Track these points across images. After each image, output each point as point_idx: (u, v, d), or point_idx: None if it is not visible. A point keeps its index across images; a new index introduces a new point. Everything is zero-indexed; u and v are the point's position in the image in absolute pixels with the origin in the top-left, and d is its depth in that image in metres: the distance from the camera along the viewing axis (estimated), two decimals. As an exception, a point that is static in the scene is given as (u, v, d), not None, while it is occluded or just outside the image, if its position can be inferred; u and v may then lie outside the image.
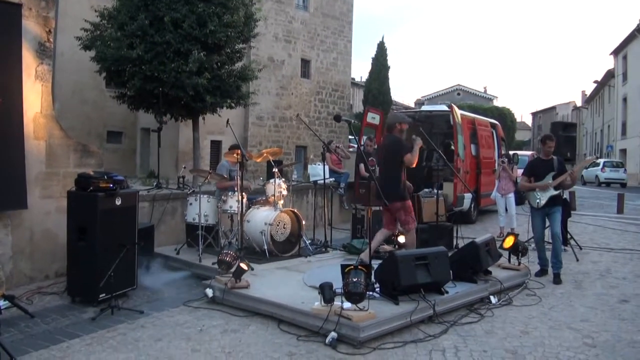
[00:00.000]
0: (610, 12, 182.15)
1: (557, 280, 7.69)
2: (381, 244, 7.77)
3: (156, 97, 11.26)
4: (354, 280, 5.14)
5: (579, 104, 66.08)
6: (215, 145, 20.01)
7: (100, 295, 6.14)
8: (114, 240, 6.28)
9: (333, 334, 5.00)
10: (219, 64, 12.17)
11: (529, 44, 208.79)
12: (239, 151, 7.91)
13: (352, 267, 5.26)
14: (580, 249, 9.92)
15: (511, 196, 11.59)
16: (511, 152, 18.24)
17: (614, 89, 44.07)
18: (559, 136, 10.12)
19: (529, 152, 26.94)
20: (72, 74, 16.66)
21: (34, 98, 6.99)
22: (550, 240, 8.06)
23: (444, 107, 14.41)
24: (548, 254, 8.07)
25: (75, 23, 12.00)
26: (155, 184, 10.61)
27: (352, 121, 6.80)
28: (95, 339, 5.15)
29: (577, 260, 9.18)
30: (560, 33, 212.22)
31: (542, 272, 8.04)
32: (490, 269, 7.09)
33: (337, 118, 6.54)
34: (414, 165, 7.16)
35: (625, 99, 40.49)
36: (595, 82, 48.70)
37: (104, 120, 19.84)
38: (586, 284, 7.71)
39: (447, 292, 6.15)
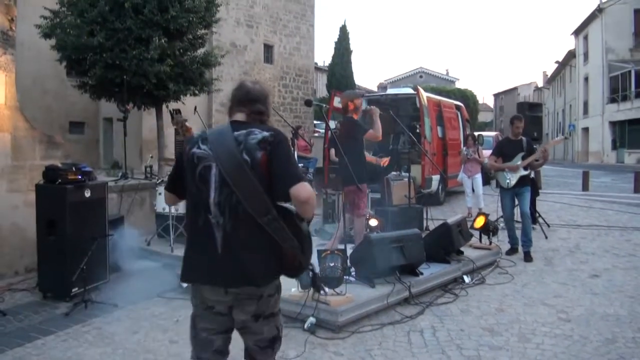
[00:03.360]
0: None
1: (527, 258, 7.82)
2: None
3: (118, 85, 11.06)
4: (331, 265, 5.15)
5: (540, 84, 67.11)
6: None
7: (73, 290, 6.03)
8: (85, 233, 6.16)
9: (311, 319, 5.00)
10: (181, 50, 11.99)
11: (490, 25, 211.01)
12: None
13: (329, 251, 5.26)
14: (549, 226, 10.09)
15: (478, 177, 11.77)
16: (476, 133, 18.43)
17: (575, 69, 44.84)
18: (526, 116, 10.26)
19: (493, 133, 27.29)
20: (32, 63, 16.23)
21: (-2, 89, 6.81)
22: (520, 219, 8.19)
23: (410, 90, 14.43)
24: (518, 233, 8.20)
25: (35, 11, 11.66)
26: (120, 174, 10.43)
27: (324, 106, 6.74)
28: (71, 334, 5.06)
29: (546, 237, 9.35)
30: (521, 14, 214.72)
31: (512, 251, 8.17)
32: (462, 249, 7.17)
33: (309, 103, 6.51)
34: (380, 137, 6.91)
35: (586, 79, 41.26)
36: (557, 62, 49.53)
37: (65, 111, 19.40)
38: (556, 260, 7.85)
39: (421, 274, 6.20)
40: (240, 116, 2.88)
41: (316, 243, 7.26)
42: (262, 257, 2.69)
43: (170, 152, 18.07)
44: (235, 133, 2.74)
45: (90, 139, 20.40)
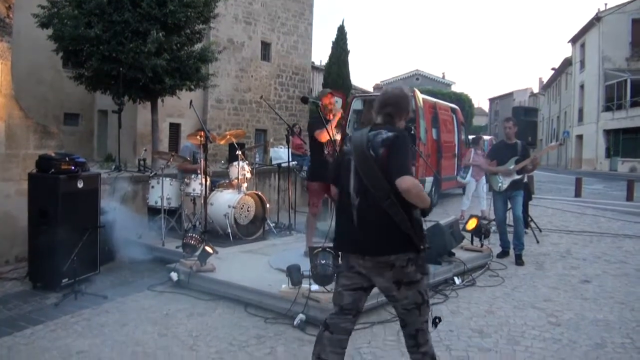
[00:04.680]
0: (569, 0, 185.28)
1: (519, 261, 7.84)
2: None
3: (114, 78, 11.04)
4: (322, 262, 5.13)
5: (535, 90, 67.27)
6: (174, 128, 19.77)
7: (63, 281, 6.00)
8: (76, 224, 6.14)
9: (301, 316, 4.99)
10: (178, 45, 11.99)
11: (488, 30, 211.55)
12: (203, 133, 7.79)
13: (321, 249, 5.25)
14: (540, 231, 10.12)
15: (483, 180, 11.87)
16: (471, 137, 18.49)
17: (571, 77, 44.98)
18: (521, 121, 10.29)
19: (487, 137, 27.39)
20: (28, 53, 16.15)
21: (-7, 77, 6.77)
22: (512, 223, 8.20)
23: (406, 92, 14.40)
24: (509, 237, 8.21)
25: (33, 0, 11.63)
26: (114, 167, 10.40)
27: (320, 103, 6.72)
28: (60, 324, 5.03)
29: (538, 242, 9.38)
30: (519, 21, 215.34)
31: (503, 254, 8.19)
32: (453, 250, 7.17)
33: (305, 100, 6.48)
34: (323, 139, 6.67)
35: (582, 86, 41.40)
36: (553, 69, 49.68)
37: (60, 102, 19.35)
38: (547, 265, 7.88)
39: (412, 274, 6.18)
40: (378, 119, 3.53)
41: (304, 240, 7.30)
42: (387, 233, 3.27)
43: (164, 146, 18.06)
44: (370, 133, 3.39)
45: (84, 131, 20.34)
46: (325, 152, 6.75)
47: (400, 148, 3.28)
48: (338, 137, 6.76)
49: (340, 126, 8.16)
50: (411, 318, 3.44)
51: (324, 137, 6.61)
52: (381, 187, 3.24)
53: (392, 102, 3.50)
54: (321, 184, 6.72)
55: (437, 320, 3.65)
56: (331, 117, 6.74)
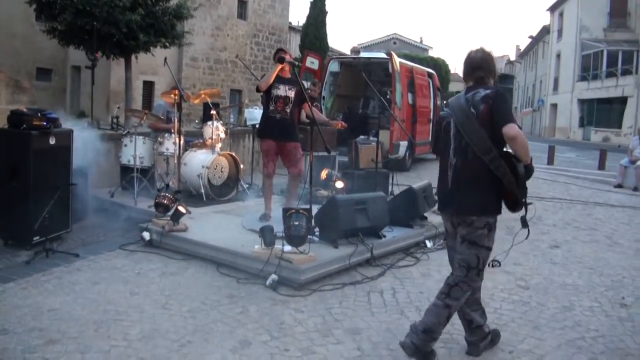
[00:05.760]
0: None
1: (490, 226, 7.92)
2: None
3: (88, 32, 10.83)
4: (296, 223, 5.15)
5: (512, 58, 67.44)
6: (148, 86, 19.52)
7: (34, 238, 5.92)
8: (48, 181, 6.04)
9: (274, 276, 5.01)
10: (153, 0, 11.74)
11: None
12: (177, 91, 7.67)
13: (294, 210, 5.26)
14: (511, 197, 10.20)
15: None
16: (446, 102, 18.48)
17: (548, 45, 45.17)
18: (497, 87, 10.26)
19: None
20: (1, 4, 15.71)
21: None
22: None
23: (383, 55, 14.39)
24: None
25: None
26: (86, 124, 10.21)
27: (297, 64, 6.63)
28: (31, 282, 4.98)
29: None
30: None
31: (475, 219, 8.26)
32: (426, 214, 7.23)
33: (281, 60, 6.39)
34: (263, 89, 6.58)
35: (558, 56, 41.64)
36: (530, 37, 49.88)
37: (33, 56, 18.91)
38: (517, 229, 7.95)
39: (384, 237, 6.24)
40: (469, 82, 3.73)
41: (280, 203, 7.30)
42: (479, 194, 3.56)
43: (137, 104, 17.82)
44: (466, 95, 3.63)
45: (57, 87, 19.97)
46: (272, 107, 6.62)
47: (501, 101, 3.51)
48: (292, 93, 6.65)
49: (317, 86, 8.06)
50: (459, 270, 3.71)
51: (264, 86, 6.52)
52: (483, 142, 3.46)
53: (482, 65, 3.70)
54: (270, 142, 6.69)
55: (495, 264, 4.00)
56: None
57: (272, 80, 6.50)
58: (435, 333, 3.63)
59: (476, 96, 3.54)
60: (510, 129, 3.37)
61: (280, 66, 6.50)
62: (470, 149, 3.52)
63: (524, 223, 3.70)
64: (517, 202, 3.62)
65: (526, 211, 3.64)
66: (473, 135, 3.49)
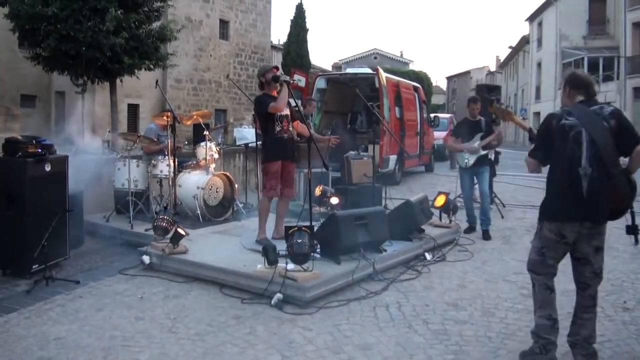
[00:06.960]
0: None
1: (486, 236, 7.98)
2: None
3: (72, 57, 10.84)
4: (298, 241, 5.16)
5: (492, 68, 68.10)
6: (133, 109, 19.50)
7: (33, 267, 5.85)
8: (45, 208, 5.98)
9: (279, 295, 5.00)
10: (136, 23, 11.81)
11: (445, 9, 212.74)
12: (170, 113, 7.67)
13: (296, 228, 5.27)
14: (504, 206, 10.31)
15: None
16: (432, 115, 18.71)
17: (528, 55, 45.64)
18: (485, 98, 10.36)
19: (447, 115, 27.78)
20: (-17, 32, 15.66)
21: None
22: (478, 199, 8.33)
23: (369, 70, 14.46)
24: (476, 212, 8.35)
25: (-12, -23, 11.26)
26: (74, 149, 10.15)
27: (291, 81, 6.66)
28: (34, 311, 4.93)
29: (502, 217, 9.56)
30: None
31: (470, 229, 8.32)
32: (423, 227, 7.27)
33: (276, 78, 6.40)
34: (280, 109, 6.43)
35: (539, 64, 42.11)
36: (510, 47, 50.30)
37: (16, 83, 18.82)
38: (514, 239, 8.04)
39: (385, 251, 6.26)
40: (580, 98, 3.85)
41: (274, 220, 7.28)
42: (607, 201, 3.71)
43: (123, 128, 17.74)
44: (591, 108, 3.77)
45: (42, 112, 19.85)
46: (278, 128, 6.54)
47: (626, 119, 3.81)
48: (287, 111, 6.61)
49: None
50: (595, 280, 3.89)
51: (280, 108, 6.41)
52: (614, 154, 3.68)
53: (589, 83, 3.91)
54: (279, 163, 6.55)
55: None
56: (274, 92, 6.57)
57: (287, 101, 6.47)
58: (592, 338, 3.97)
59: (604, 111, 3.74)
60: None
61: (285, 85, 6.44)
62: (602, 160, 3.66)
63: (634, 230, 3.88)
64: (625, 209, 3.81)
65: (633, 219, 3.84)
66: (607, 149, 3.65)
